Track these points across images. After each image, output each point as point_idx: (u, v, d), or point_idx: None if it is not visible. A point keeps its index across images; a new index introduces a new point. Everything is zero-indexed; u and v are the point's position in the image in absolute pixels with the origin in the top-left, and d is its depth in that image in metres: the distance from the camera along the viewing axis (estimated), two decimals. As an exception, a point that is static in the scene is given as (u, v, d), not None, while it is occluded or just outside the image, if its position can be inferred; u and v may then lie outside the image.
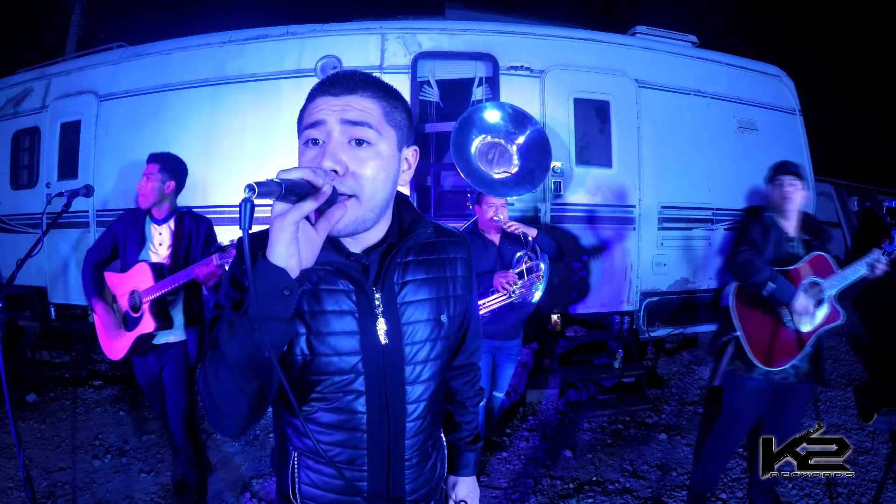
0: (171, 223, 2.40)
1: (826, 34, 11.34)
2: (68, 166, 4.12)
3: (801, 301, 2.06)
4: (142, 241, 2.38)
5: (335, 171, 0.78)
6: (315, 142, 0.81)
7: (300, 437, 0.93)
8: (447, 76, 3.76)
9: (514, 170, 2.93)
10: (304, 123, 0.83)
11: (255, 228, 0.72)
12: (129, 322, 2.35)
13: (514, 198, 3.33)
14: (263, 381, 0.74)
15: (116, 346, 2.38)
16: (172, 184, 2.37)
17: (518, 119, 2.99)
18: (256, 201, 0.64)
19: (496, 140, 2.97)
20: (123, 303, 2.35)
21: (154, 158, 2.36)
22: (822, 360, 2.23)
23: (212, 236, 2.46)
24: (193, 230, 2.41)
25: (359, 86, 0.82)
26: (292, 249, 0.70)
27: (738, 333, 2.15)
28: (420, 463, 0.98)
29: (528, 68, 3.70)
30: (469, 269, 1.04)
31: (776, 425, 2.30)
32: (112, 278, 2.41)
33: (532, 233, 2.68)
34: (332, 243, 0.87)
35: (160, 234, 2.39)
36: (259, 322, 0.69)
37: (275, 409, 0.98)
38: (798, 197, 2.20)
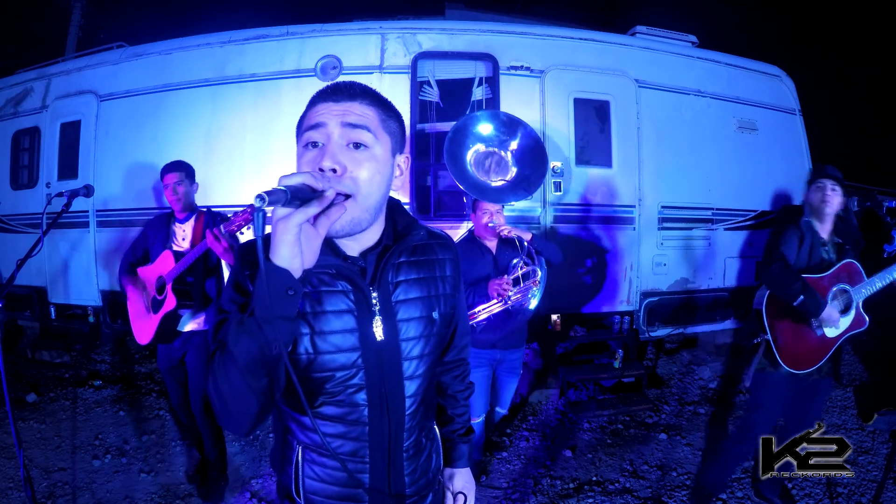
0: (192, 220, 2.67)
1: (826, 34, 11.35)
2: (68, 166, 4.11)
3: (828, 312, 2.16)
4: (167, 238, 2.66)
5: (334, 171, 0.82)
6: (314, 144, 0.85)
7: (305, 432, 0.96)
8: (447, 76, 3.75)
9: (511, 176, 2.89)
10: (305, 126, 0.87)
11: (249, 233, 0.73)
12: (155, 305, 2.59)
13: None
14: (271, 378, 0.77)
15: (145, 328, 2.61)
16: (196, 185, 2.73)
17: (509, 125, 2.98)
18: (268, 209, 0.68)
19: (491, 149, 2.95)
20: (151, 289, 2.61)
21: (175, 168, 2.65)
22: (840, 360, 2.34)
23: None
24: (211, 224, 2.62)
25: (358, 94, 0.87)
26: (296, 251, 0.73)
27: (768, 337, 2.21)
28: (416, 455, 1.03)
29: (528, 68, 3.70)
30: (456, 269, 1.08)
31: (800, 420, 2.35)
32: (143, 271, 2.68)
33: (527, 236, 2.56)
34: (330, 247, 0.91)
35: (183, 230, 2.67)
36: (266, 321, 0.72)
37: (277, 406, 1.00)
38: (836, 202, 2.25)
